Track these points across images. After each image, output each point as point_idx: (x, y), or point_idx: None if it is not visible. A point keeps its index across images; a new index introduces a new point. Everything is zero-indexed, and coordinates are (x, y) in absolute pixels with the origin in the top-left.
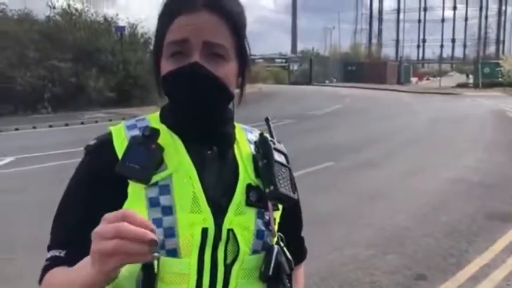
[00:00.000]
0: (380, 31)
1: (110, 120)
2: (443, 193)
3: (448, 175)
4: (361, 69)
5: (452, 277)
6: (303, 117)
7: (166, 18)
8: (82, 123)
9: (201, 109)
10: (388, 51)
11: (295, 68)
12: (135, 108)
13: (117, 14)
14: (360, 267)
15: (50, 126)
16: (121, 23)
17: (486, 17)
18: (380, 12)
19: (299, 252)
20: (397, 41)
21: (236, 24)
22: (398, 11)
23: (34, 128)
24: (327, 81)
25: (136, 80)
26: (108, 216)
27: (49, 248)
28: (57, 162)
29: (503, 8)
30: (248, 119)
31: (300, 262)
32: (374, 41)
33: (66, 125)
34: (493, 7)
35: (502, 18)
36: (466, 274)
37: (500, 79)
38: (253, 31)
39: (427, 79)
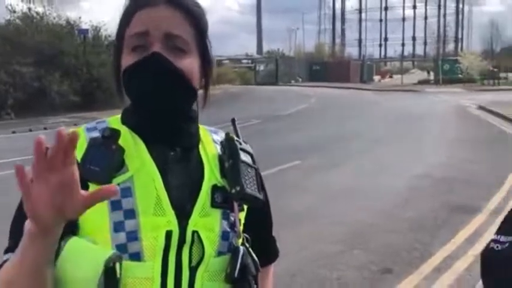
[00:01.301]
0: (343, 31)
1: (75, 125)
2: (407, 189)
3: (413, 171)
4: (326, 69)
5: (417, 270)
6: (269, 117)
7: (127, 13)
8: (45, 128)
9: (163, 102)
10: (352, 50)
11: (261, 68)
12: (100, 112)
13: (79, 17)
14: (328, 263)
15: (13, 132)
16: (84, 26)
17: (445, 16)
18: (342, 12)
19: (270, 252)
20: (360, 40)
21: (197, 22)
22: (360, 10)
23: None
24: (292, 81)
25: (100, 83)
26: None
27: (6, 251)
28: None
29: (461, 6)
30: (215, 120)
31: (271, 262)
32: (337, 40)
33: (30, 130)
34: (451, 6)
35: (460, 16)
36: (430, 266)
37: (459, 75)
38: (219, 32)
39: (390, 77)
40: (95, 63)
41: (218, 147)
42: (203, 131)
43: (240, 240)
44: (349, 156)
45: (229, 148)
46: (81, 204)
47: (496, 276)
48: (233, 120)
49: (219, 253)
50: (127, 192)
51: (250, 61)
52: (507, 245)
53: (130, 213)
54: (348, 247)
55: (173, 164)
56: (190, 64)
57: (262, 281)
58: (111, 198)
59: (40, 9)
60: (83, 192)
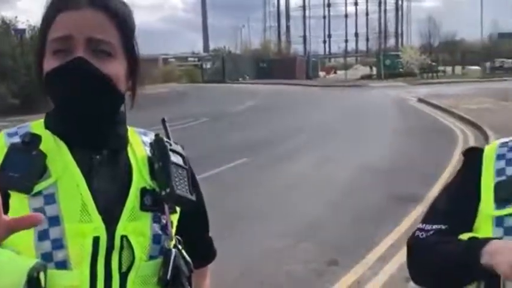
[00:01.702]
0: (288, 28)
1: None
2: (352, 181)
3: (357, 163)
4: (272, 66)
5: (362, 260)
6: (217, 115)
7: (48, 16)
8: None
9: (87, 107)
10: (297, 47)
11: (208, 66)
12: (40, 115)
13: (16, 17)
14: (276, 258)
15: None
16: (21, 26)
17: (385, 12)
18: (287, 9)
19: (206, 253)
20: (304, 37)
21: (122, 23)
22: (304, 7)
23: None
24: (240, 79)
25: (40, 85)
26: None
27: None
28: None
29: (400, 2)
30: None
31: (208, 263)
32: (283, 37)
33: None
34: (391, 2)
35: (400, 12)
36: (375, 255)
37: (400, 70)
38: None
39: (334, 72)
40: (33, 64)
41: (147, 149)
42: (132, 132)
43: (172, 243)
44: (296, 151)
45: (158, 149)
46: (5, 230)
47: (420, 264)
48: (163, 121)
49: (151, 257)
50: (50, 198)
51: (196, 59)
52: (431, 232)
53: (55, 221)
54: (296, 241)
55: (99, 168)
56: (115, 68)
57: (199, 282)
58: (36, 226)
59: None
60: (5, 217)
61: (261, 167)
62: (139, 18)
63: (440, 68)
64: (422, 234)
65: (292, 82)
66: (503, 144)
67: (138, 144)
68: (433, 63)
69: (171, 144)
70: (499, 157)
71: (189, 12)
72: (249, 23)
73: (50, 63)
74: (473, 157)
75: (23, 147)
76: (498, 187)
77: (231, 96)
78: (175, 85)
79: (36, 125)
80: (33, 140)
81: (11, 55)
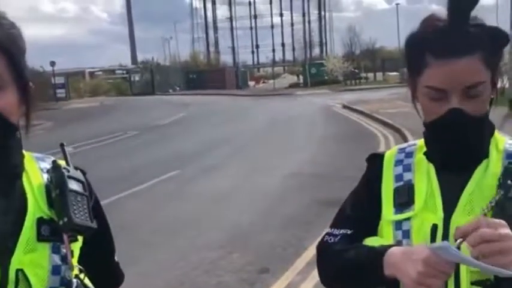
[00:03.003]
0: (216, 39)
1: None
2: (281, 188)
3: (285, 170)
4: (202, 77)
5: (292, 266)
6: (147, 128)
7: None
8: None
9: None
10: (226, 58)
11: (137, 78)
12: None
13: None
14: (207, 270)
15: None
16: None
17: (309, 22)
18: (214, 21)
19: (112, 279)
20: (233, 47)
21: (10, 52)
22: (231, 19)
23: None
24: (170, 90)
25: None
26: None
27: None
28: None
29: (323, 13)
30: (90, 135)
31: (118, 286)
32: (212, 48)
33: None
34: (314, 12)
35: (323, 22)
36: (304, 260)
37: (325, 77)
38: (90, 43)
39: (263, 82)
40: None
41: (45, 176)
42: (29, 159)
43: (74, 273)
44: (226, 161)
45: (55, 177)
46: None
47: (327, 270)
48: (62, 145)
49: None
50: None
51: (124, 72)
52: (339, 237)
53: None
54: (227, 251)
55: None
56: (5, 100)
57: None
58: None
59: None
60: None
61: (191, 179)
62: (65, 32)
63: (363, 74)
64: (330, 239)
65: (222, 92)
66: (401, 150)
67: (35, 172)
68: (356, 71)
69: (69, 171)
70: (397, 163)
71: (116, 24)
72: (176, 34)
73: None
74: (375, 163)
75: None
76: (397, 192)
77: (161, 108)
78: (103, 98)
79: None
80: None
81: None
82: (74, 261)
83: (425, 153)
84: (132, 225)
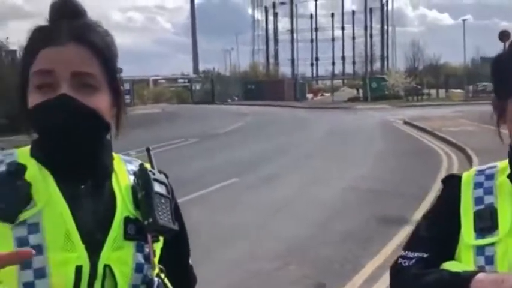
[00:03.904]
0: (276, 51)
1: (2, 149)
2: (339, 202)
3: (344, 184)
4: (261, 88)
5: (349, 282)
6: (206, 136)
7: (31, 50)
8: None
9: (72, 142)
10: (285, 69)
11: (198, 87)
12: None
13: (7, 38)
14: (265, 280)
15: None
16: (12, 47)
17: (371, 36)
18: (275, 33)
19: (186, 282)
20: (292, 59)
21: (105, 55)
22: (292, 31)
23: None
24: (229, 100)
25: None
26: None
27: None
28: None
29: (385, 27)
30: (153, 140)
31: None
32: (271, 60)
33: None
34: (377, 27)
35: (385, 36)
36: (361, 277)
37: (386, 92)
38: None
39: (321, 95)
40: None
41: (132, 177)
42: (117, 161)
43: (155, 272)
44: (284, 171)
45: (142, 179)
46: None
47: None
48: (148, 150)
49: (133, 286)
50: (34, 228)
51: (186, 80)
52: (414, 261)
53: (38, 249)
54: (284, 263)
55: (84, 197)
56: (99, 100)
57: None
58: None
59: None
60: None
61: (249, 188)
62: (131, 40)
63: (425, 91)
64: (405, 262)
65: (280, 104)
66: (480, 172)
67: (123, 173)
68: (418, 86)
69: (154, 174)
70: (477, 185)
71: (179, 34)
72: (238, 46)
73: (34, 98)
74: (452, 184)
75: (7, 177)
76: (477, 216)
77: (220, 117)
78: (165, 106)
79: (22, 152)
80: (19, 169)
81: (1, 76)
82: (156, 261)
83: (509, 176)
84: (190, 231)
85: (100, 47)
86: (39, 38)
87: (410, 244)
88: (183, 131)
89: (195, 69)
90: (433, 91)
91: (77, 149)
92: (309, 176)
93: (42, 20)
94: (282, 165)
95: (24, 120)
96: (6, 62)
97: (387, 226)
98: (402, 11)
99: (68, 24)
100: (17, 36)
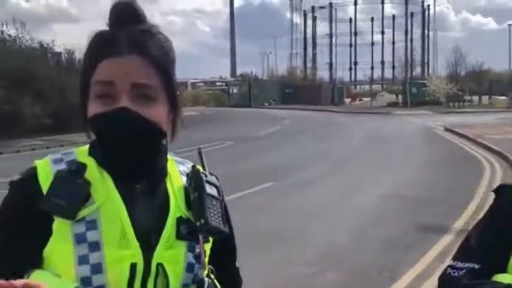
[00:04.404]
0: (314, 55)
1: (48, 148)
2: (378, 209)
3: (383, 191)
4: (298, 92)
5: None
6: (243, 139)
7: (91, 60)
8: (17, 151)
9: (130, 151)
10: (323, 73)
11: (235, 91)
12: (73, 134)
13: (53, 40)
14: (300, 285)
15: None
16: (57, 49)
17: (411, 41)
18: (314, 37)
19: (233, 283)
20: (331, 64)
21: (163, 64)
22: (330, 36)
23: None
24: (265, 104)
25: (74, 106)
26: (19, 282)
27: None
28: None
29: (426, 32)
30: (189, 142)
31: None
32: (309, 64)
33: (1, 153)
34: (417, 31)
35: (426, 41)
36: (400, 286)
37: (426, 98)
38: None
39: (360, 100)
40: (68, 86)
41: (184, 178)
42: (170, 162)
43: (205, 272)
44: (321, 176)
45: (195, 181)
46: None
47: None
48: (199, 151)
49: (184, 285)
50: (92, 225)
51: (224, 84)
52: (464, 271)
53: (95, 246)
54: (320, 269)
55: (139, 197)
56: (157, 110)
57: None
58: None
59: (13, 32)
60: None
61: (286, 192)
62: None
63: (467, 97)
64: (454, 272)
65: (318, 108)
66: None
67: (176, 175)
68: (460, 93)
69: (206, 176)
70: None
71: (218, 38)
72: (275, 49)
73: (94, 107)
74: (504, 194)
75: (69, 175)
76: None
77: (257, 120)
78: (202, 108)
79: (81, 152)
80: (79, 168)
81: (47, 77)
82: (206, 261)
83: None
84: None
85: (158, 57)
86: (100, 46)
87: (460, 254)
88: (220, 134)
89: (233, 72)
90: (475, 98)
91: (134, 155)
92: (347, 181)
93: (87, 24)
94: (319, 170)
95: (84, 123)
96: (51, 64)
97: (427, 234)
98: (444, 15)
99: (127, 31)
100: (62, 39)
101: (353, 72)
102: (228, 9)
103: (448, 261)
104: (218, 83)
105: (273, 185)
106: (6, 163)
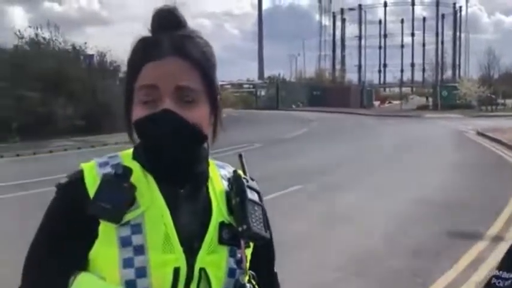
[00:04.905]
0: (343, 57)
1: (79, 148)
2: (408, 213)
3: (413, 196)
4: (326, 94)
5: None
6: (271, 141)
7: (134, 65)
8: (50, 151)
9: (173, 154)
10: (351, 76)
11: (263, 93)
12: (104, 136)
13: (85, 43)
14: None
15: (17, 155)
16: (89, 52)
17: (442, 43)
18: (342, 39)
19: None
20: (360, 66)
21: (204, 68)
22: (360, 37)
23: (1, 157)
24: (293, 106)
25: (105, 108)
26: None
27: None
28: (21, 192)
29: (458, 34)
30: (218, 144)
31: None
32: (337, 66)
33: (34, 153)
34: (448, 33)
35: (457, 43)
36: None
37: (457, 101)
38: (222, 58)
39: (389, 102)
40: (100, 88)
41: (225, 183)
42: (212, 167)
43: (247, 278)
44: (350, 180)
45: (236, 186)
46: None
47: None
48: (240, 156)
49: None
50: (137, 228)
51: (251, 86)
52: (509, 282)
53: (140, 250)
54: (348, 274)
55: (182, 202)
56: (199, 113)
57: None
58: None
59: (47, 35)
60: None
61: (314, 195)
62: None
63: (500, 101)
64: (499, 282)
65: (346, 111)
66: None
67: (217, 179)
68: (492, 96)
69: (247, 181)
70: None
71: (246, 40)
72: (304, 51)
73: (138, 111)
74: None
75: (115, 179)
76: None
77: (285, 122)
78: (230, 110)
79: (126, 155)
80: (125, 172)
81: (79, 79)
82: (247, 266)
83: None
84: None
85: (200, 60)
86: (143, 51)
87: (506, 264)
88: (248, 136)
89: (260, 74)
90: (508, 101)
91: (177, 159)
92: (376, 185)
93: (117, 27)
94: (348, 173)
95: (128, 128)
96: (84, 66)
97: (460, 240)
98: (476, 16)
99: (169, 36)
100: (94, 41)
101: (382, 74)
102: (256, 12)
103: (482, 269)
104: (246, 86)
105: (301, 188)
106: (40, 163)
